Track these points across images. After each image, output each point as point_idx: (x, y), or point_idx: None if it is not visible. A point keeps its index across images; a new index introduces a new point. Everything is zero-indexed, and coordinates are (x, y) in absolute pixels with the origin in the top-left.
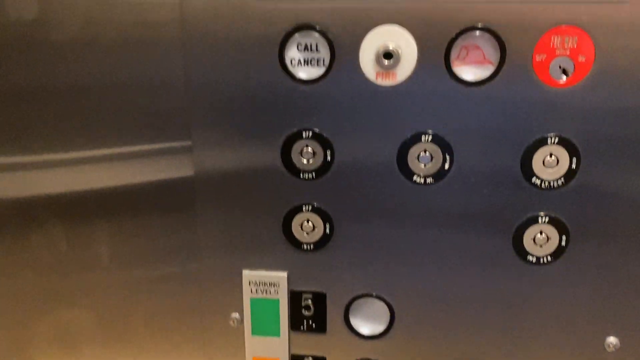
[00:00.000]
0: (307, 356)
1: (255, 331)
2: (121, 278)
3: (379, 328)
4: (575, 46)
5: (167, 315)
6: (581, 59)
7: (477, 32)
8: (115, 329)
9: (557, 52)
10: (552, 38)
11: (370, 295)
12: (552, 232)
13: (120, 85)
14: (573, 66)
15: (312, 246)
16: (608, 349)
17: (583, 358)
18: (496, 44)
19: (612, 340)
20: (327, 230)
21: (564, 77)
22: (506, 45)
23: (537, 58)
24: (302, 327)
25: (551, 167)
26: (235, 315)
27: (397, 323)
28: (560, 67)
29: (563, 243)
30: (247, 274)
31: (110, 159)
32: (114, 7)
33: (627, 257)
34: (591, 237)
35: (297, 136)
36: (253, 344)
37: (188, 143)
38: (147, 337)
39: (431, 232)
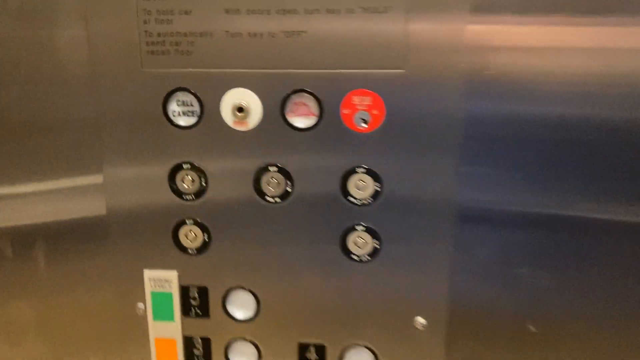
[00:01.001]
0: (196, 337)
1: (156, 317)
2: (54, 276)
3: (249, 313)
4: (370, 103)
5: (89, 306)
6: (375, 112)
7: (303, 93)
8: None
9: (358, 107)
10: (352, 97)
11: (242, 288)
12: (367, 237)
13: (34, 123)
14: (370, 117)
15: (195, 251)
16: (417, 327)
17: (400, 334)
18: (316, 101)
19: (419, 319)
20: (206, 239)
21: (365, 125)
22: (322, 102)
23: (344, 111)
24: (190, 313)
25: (361, 189)
26: (141, 305)
27: (262, 310)
28: (361, 118)
29: (377, 245)
30: (147, 272)
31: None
32: (24, 46)
33: (427, 251)
34: (398, 240)
35: (179, 167)
36: (155, 327)
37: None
38: (74, 326)
39: (282, 240)
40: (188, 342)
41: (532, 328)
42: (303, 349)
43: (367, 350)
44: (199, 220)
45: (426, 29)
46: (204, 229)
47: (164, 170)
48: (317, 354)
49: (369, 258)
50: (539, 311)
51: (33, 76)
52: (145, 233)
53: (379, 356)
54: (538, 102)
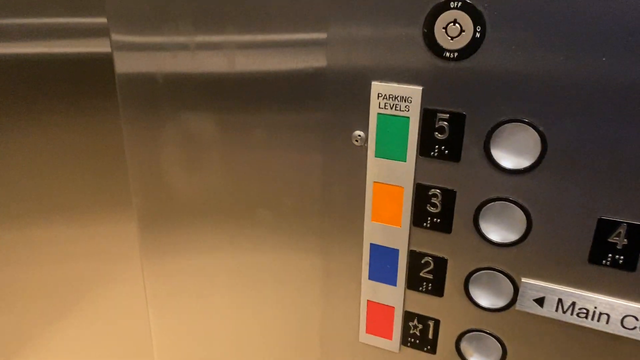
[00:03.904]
0: (435, 187)
1: (379, 153)
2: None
3: (524, 163)
4: None
5: (286, 129)
6: None
7: None
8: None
9: None
10: None
11: (519, 121)
12: None
13: None
14: None
15: (456, 54)
16: None
17: None
18: None
19: None
20: (477, 35)
21: None
22: None
23: None
24: (432, 153)
25: None
26: (359, 133)
27: (548, 156)
28: None
29: None
30: (376, 85)
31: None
32: None
33: None
34: None
35: None
36: (376, 166)
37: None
38: (267, 148)
39: None
40: (419, 199)
41: None
42: None
43: None
44: (470, 1)
45: None
46: (476, 17)
47: None
48: None
49: None
50: None
51: None
52: (378, 24)
53: None
54: None
